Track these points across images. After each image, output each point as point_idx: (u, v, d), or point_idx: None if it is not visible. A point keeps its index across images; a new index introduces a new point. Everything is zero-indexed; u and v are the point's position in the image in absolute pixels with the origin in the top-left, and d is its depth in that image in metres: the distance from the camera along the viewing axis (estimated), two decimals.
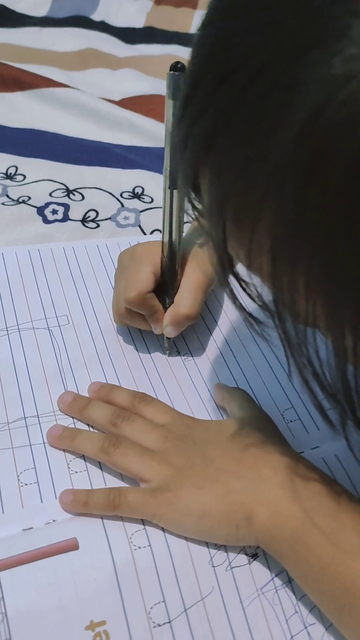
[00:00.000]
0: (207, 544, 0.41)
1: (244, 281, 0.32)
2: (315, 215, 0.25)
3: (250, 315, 0.33)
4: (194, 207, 0.32)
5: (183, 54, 0.92)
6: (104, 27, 0.98)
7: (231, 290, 0.32)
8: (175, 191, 0.48)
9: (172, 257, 0.51)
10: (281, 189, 0.25)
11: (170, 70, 0.44)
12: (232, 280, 0.32)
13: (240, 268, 0.32)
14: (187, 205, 0.33)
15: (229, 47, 0.26)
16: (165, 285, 0.52)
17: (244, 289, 0.32)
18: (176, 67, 0.44)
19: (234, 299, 0.33)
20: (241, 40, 0.25)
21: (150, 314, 0.51)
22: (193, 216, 0.33)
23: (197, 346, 0.54)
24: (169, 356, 0.53)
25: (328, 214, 0.25)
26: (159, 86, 0.85)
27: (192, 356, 0.53)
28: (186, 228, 0.55)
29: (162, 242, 0.51)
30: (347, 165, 0.24)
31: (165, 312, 0.52)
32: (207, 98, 0.27)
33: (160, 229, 0.51)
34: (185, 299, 0.51)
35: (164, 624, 0.38)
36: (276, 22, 0.25)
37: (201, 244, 0.53)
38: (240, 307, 0.33)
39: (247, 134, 0.26)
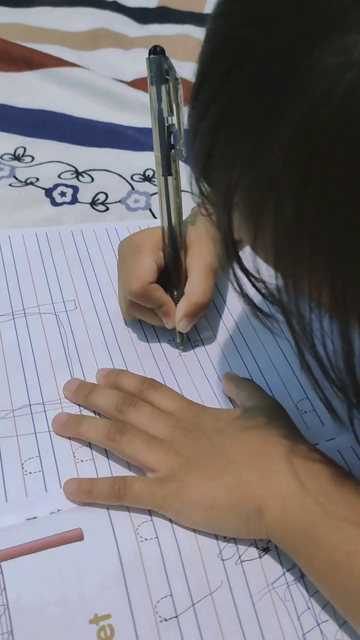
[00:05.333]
0: (216, 537, 0.40)
1: (252, 275, 0.32)
2: (314, 211, 0.25)
3: (259, 308, 0.34)
4: (203, 196, 0.32)
5: (197, 34, 0.90)
6: (116, 6, 0.96)
7: (239, 285, 0.33)
8: (169, 178, 0.46)
9: (175, 246, 0.49)
10: (281, 185, 0.26)
11: (149, 54, 0.42)
12: (239, 273, 0.32)
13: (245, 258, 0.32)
14: (196, 191, 0.33)
15: (232, 42, 0.26)
16: (170, 275, 0.50)
17: (251, 282, 0.32)
18: (155, 50, 0.42)
19: (242, 293, 0.33)
20: (243, 34, 0.26)
21: (158, 306, 0.49)
22: (204, 208, 0.33)
23: (209, 333, 0.53)
24: (183, 351, 0.51)
25: (327, 210, 0.25)
26: None
27: (203, 344, 0.52)
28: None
29: (163, 230, 0.49)
30: (345, 159, 0.24)
31: (174, 304, 0.50)
32: (214, 92, 0.27)
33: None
34: (197, 286, 0.49)
35: (170, 618, 0.37)
36: (275, 16, 0.25)
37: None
38: (248, 301, 0.33)
39: (248, 129, 0.26)
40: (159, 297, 0.49)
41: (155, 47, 0.42)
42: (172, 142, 0.44)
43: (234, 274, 0.32)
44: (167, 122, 0.43)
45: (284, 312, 0.30)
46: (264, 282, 0.32)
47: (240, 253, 0.32)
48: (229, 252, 0.31)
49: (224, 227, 0.30)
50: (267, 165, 0.26)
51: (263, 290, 0.32)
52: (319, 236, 0.26)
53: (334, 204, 0.25)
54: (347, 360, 0.30)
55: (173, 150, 0.44)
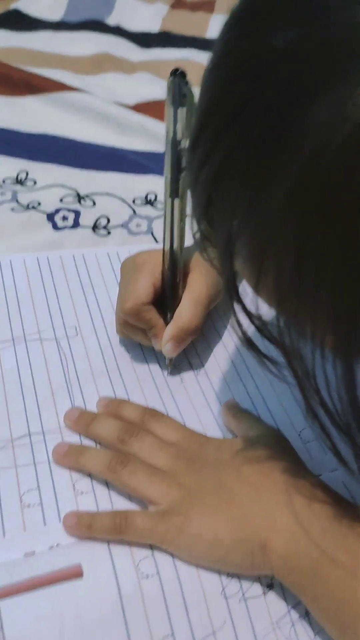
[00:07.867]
0: (219, 573, 0.39)
1: (255, 317, 0.32)
2: (314, 263, 0.25)
3: (264, 354, 0.33)
4: (205, 239, 0.32)
5: (199, 58, 0.90)
6: (119, 31, 0.97)
7: (242, 331, 0.32)
8: (176, 200, 0.46)
9: (174, 269, 0.48)
10: (281, 237, 0.26)
11: (170, 75, 0.42)
12: (242, 320, 0.32)
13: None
14: (197, 235, 0.32)
15: (227, 97, 0.26)
16: (166, 299, 0.49)
17: (254, 324, 0.32)
18: (176, 72, 0.42)
19: (245, 338, 0.32)
20: (237, 90, 0.25)
21: (149, 327, 0.49)
22: (205, 252, 0.33)
23: (211, 360, 0.52)
24: (169, 374, 0.50)
25: (327, 261, 0.25)
26: None
27: (204, 371, 0.51)
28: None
29: (163, 253, 0.48)
30: (346, 214, 0.23)
31: (166, 327, 0.49)
32: (212, 144, 0.27)
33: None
34: (186, 311, 0.48)
35: None
36: (268, 70, 0.24)
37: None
38: (253, 346, 0.33)
39: (247, 182, 0.26)
40: (150, 319, 0.48)
41: (176, 69, 0.42)
42: (183, 166, 0.44)
43: (237, 320, 0.32)
44: (180, 146, 0.43)
45: (286, 355, 0.30)
46: (266, 325, 0.31)
47: (242, 292, 0.31)
48: (231, 296, 0.31)
49: (226, 271, 0.30)
50: (266, 217, 0.26)
51: (266, 333, 0.31)
52: (320, 286, 0.26)
53: (334, 256, 0.25)
54: (353, 404, 0.29)
55: (183, 174, 0.44)
